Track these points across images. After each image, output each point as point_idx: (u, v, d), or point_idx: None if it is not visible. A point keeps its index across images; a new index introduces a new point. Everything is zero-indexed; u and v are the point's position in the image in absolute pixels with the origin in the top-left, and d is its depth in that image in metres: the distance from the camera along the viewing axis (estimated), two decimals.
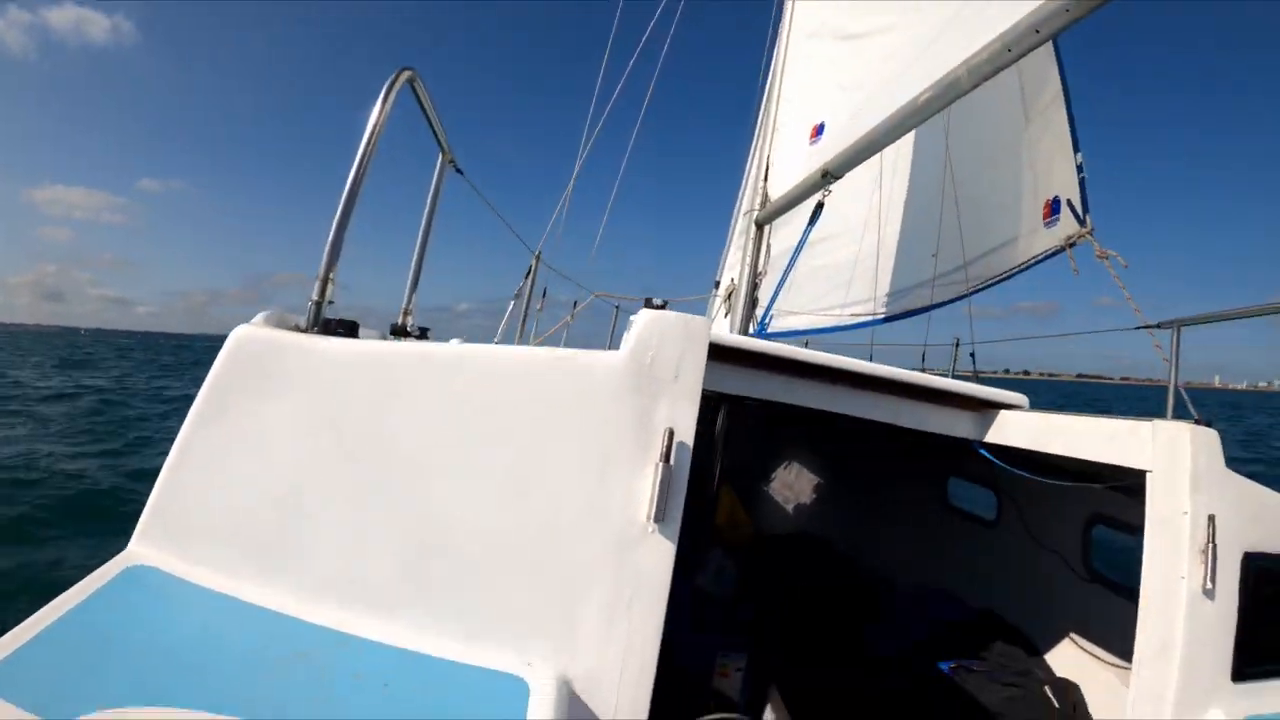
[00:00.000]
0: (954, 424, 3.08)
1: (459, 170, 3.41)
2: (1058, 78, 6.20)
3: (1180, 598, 2.12)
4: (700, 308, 8.12)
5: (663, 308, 1.93)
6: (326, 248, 2.01)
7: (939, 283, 6.98)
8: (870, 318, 7.53)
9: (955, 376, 6.80)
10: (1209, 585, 2.11)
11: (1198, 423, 2.28)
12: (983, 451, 3.09)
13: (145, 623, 1.50)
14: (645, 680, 1.72)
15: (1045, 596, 3.79)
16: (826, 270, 7.80)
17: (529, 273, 6.40)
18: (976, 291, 6.76)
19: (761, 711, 3.65)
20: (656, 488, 1.74)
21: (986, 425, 3.07)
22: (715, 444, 4.77)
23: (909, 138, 6.84)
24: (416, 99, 2.65)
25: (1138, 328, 4.40)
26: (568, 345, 6.74)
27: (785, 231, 5.57)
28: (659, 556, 1.76)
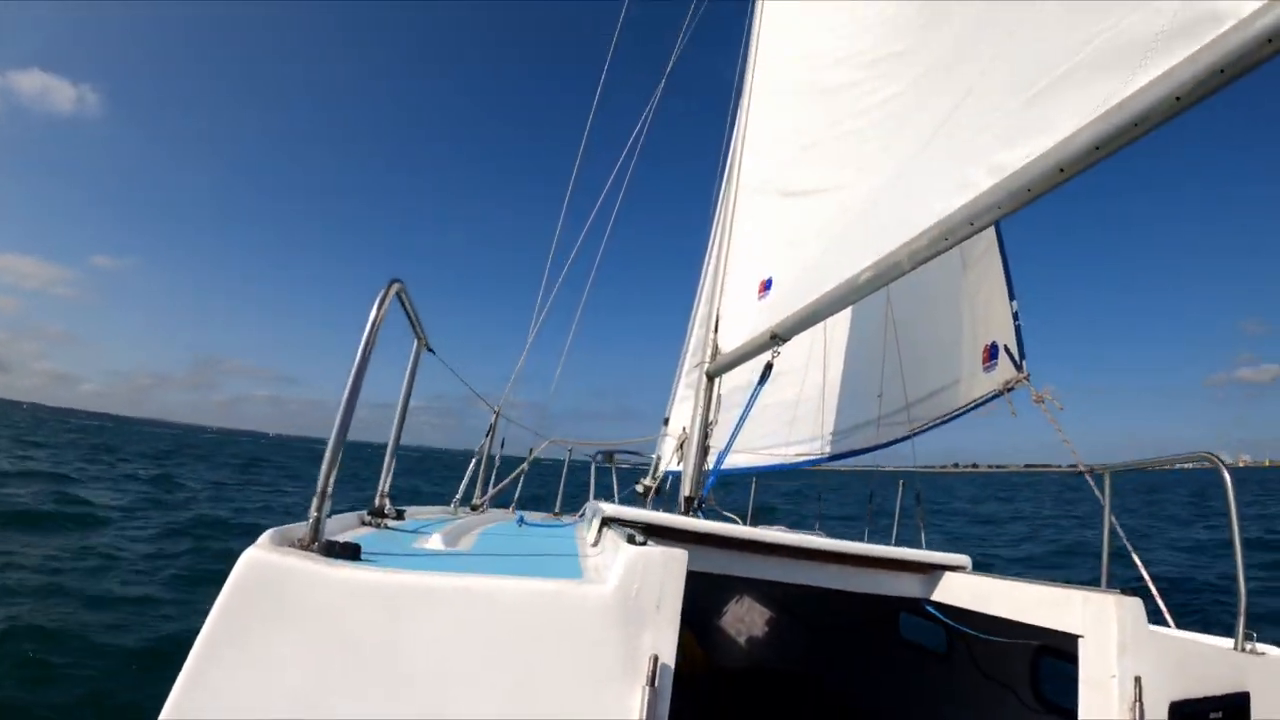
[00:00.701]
0: (902, 586, 3.32)
1: (431, 350, 3.57)
2: (993, 228, 6.53)
3: None
4: (650, 448, 8.23)
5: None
6: (325, 461, 2.12)
7: (883, 423, 7.17)
8: (816, 456, 7.67)
9: (901, 514, 6.93)
10: None
11: (1123, 592, 2.50)
12: (931, 610, 3.26)
13: None
14: None
15: None
16: (772, 409, 7.92)
17: (489, 430, 6.51)
18: (919, 433, 6.96)
19: None
20: (645, 709, 1.86)
21: (933, 585, 3.31)
22: None
23: None
24: (403, 306, 2.83)
25: (1074, 471, 4.62)
26: (525, 489, 6.78)
27: (731, 372, 5.72)
28: None
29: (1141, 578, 4.00)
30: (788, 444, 7.84)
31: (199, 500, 22.41)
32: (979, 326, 6.50)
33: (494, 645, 1.87)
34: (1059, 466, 5.02)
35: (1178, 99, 1.91)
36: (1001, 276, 6.43)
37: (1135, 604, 2.45)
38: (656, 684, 1.90)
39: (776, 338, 3.98)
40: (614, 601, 1.95)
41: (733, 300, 5.23)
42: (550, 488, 8.20)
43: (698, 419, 4.93)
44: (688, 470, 4.86)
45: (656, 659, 1.92)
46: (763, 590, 6.97)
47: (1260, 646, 2.97)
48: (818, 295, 3.64)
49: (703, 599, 7.63)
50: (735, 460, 7.93)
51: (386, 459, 3.38)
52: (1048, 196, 2.41)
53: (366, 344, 2.26)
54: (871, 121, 4.10)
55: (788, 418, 7.88)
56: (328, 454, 2.13)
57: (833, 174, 4.50)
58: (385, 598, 1.87)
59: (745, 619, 7.21)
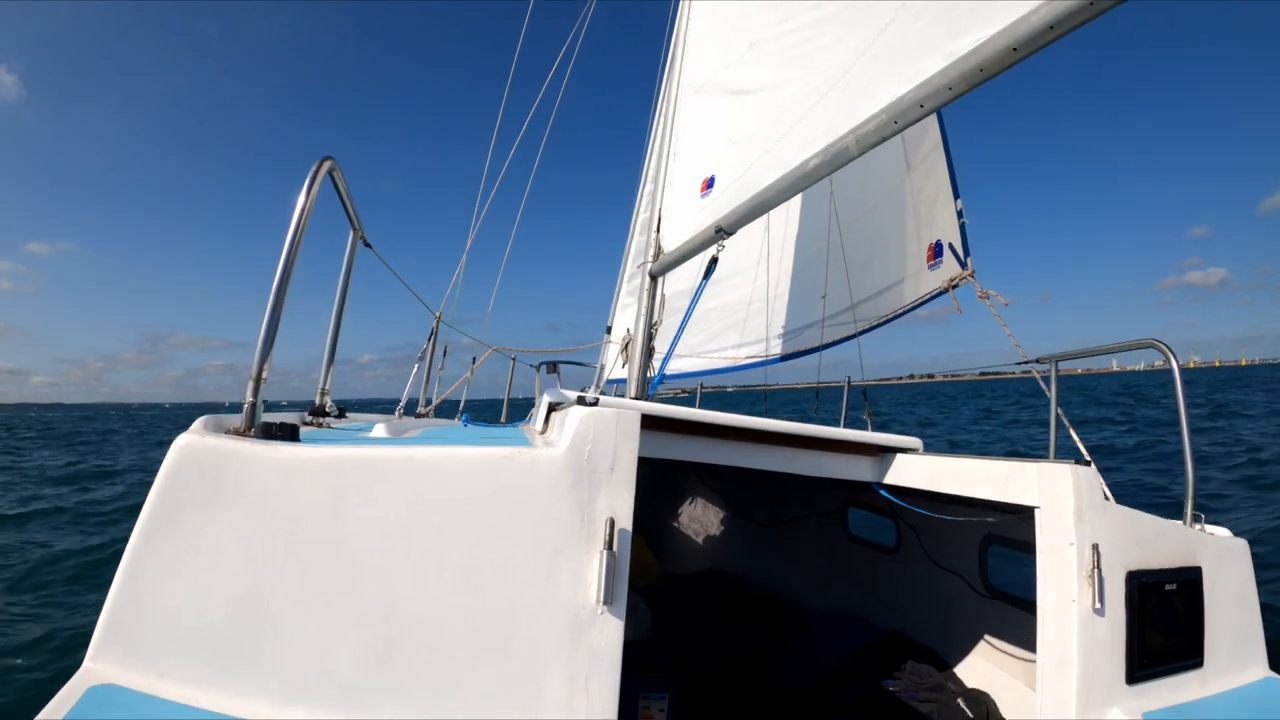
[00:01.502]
0: (854, 469, 3.30)
1: (368, 245, 3.43)
2: (938, 127, 6.47)
3: (1072, 618, 2.37)
4: (593, 355, 8.18)
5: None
6: (258, 346, 2.03)
7: (829, 323, 7.18)
8: (763, 359, 7.67)
9: (850, 412, 7.00)
10: (1097, 605, 2.37)
11: (1078, 462, 2.52)
12: (883, 493, 3.27)
13: None
14: None
15: (950, 615, 3.98)
16: (718, 312, 7.91)
17: (431, 335, 6.42)
18: (864, 333, 6.98)
19: None
20: (603, 573, 1.85)
21: (885, 468, 3.30)
22: None
23: None
24: (335, 186, 2.71)
25: (1020, 364, 4.64)
26: (469, 399, 6.72)
27: (674, 276, 5.66)
28: (610, 635, 1.88)
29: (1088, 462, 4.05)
30: (738, 346, 7.84)
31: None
32: (923, 226, 6.48)
33: (443, 517, 1.83)
34: (1011, 371, 5.05)
35: None
36: (946, 176, 6.38)
37: (1091, 473, 2.48)
38: (615, 547, 1.89)
39: (721, 231, 3.88)
40: (566, 464, 1.92)
41: (674, 201, 5.13)
42: (496, 410, 8.15)
43: (641, 320, 4.84)
44: (632, 373, 4.80)
45: (613, 522, 1.91)
46: (715, 491, 7.03)
47: (1209, 528, 3.03)
48: (763, 186, 3.54)
49: (655, 503, 7.69)
50: (684, 365, 7.93)
51: (325, 357, 3.28)
52: (1000, 100, 2.34)
53: (297, 227, 2.15)
54: (822, 16, 3.95)
55: (737, 319, 7.86)
56: (259, 340, 2.03)
57: (780, 71, 4.36)
58: (327, 474, 1.81)
59: (699, 520, 7.29)
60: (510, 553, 1.85)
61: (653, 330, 4.90)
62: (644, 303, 4.91)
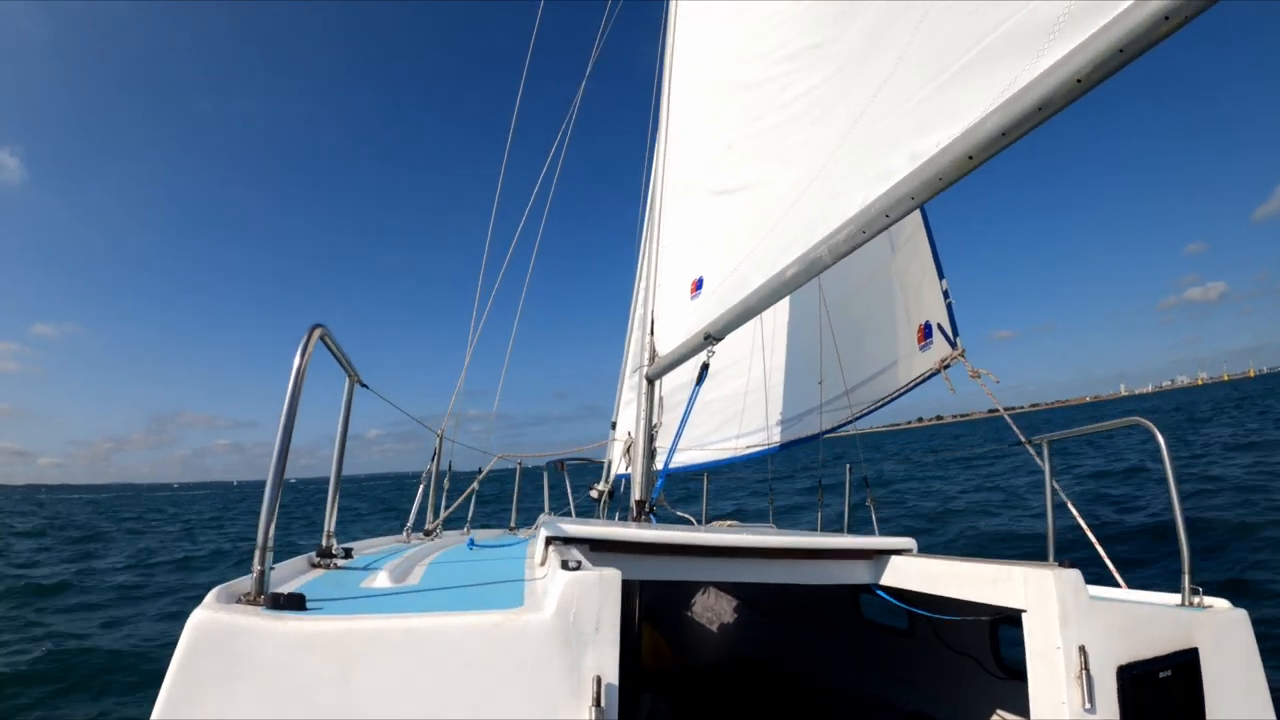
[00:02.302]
0: (852, 574, 3.36)
1: (364, 385, 3.53)
2: (918, 211, 6.60)
3: (1064, 719, 2.37)
4: (600, 454, 8.21)
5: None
6: (262, 515, 2.11)
7: (826, 409, 7.24)
8: (764, 447, 7.71)
9: (851, 497, 7.01)
10: (1088, 705, 2.37)
11: (1061, 565, 2.54)
12: (881, 594, 3.31)
13: None
14: None
15: (966, 695, 3.98)
16: (718, 403, 7.95)
17: (435, 454, 6.48)
18: (860, 417, 7.04)
19: None
20: None
21: (881, 570, 3.36)
22: (631, 590, 4.84)
23: None
24: (328, 347, 2.82)
25: (1012, 445, 4.70)
26: (477, 508, 6.74)
27: (674, 372, 5.75)
28: None
29: (1089, 541, 4.06)
30: (738, 436, 7.88)
31: None
32: (912, 307, 6.58)
33: (443, 683, 1.88)
34: (1004, 445, 5.11)
35: (1079, 81, 1.98)
36: (930, 257, 6.52)
37: (1074, 576, 2.51)
38: (602, 703, 1.93)
39: (710, 338, 3.98)
40: (553, 627, 1.97)
41: (666, 301, 5.24)
42: (510, 500, 8.15)
43: (642, 423, 4.92)
44: (636, 474, 4.87)
45: (600, 679, 1.95)
46: (727, 584, 7.01)
47: (1207, 600, 3.02)
48: (746, 293, 3.65)
49: (669, 596, 7.67)
50: (687, 458, 7.96)
51: (329, 498, 3.35)
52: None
53: (293, 393, 2.24)
54: (791, 115, 4.09)
55: (735, 411, 7.91)
56: (264, 505, 2.11)
57: (756, 170, 4.50)
58: (333, 647, 1.88)
59: (713, 610, 7.26)
60: (506, 714, 1.90)
61: (653, 431, 4.98)
62: (643, 406, 4.99)
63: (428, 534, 5.69)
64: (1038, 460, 4.28)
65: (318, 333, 2.49)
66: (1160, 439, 3.27)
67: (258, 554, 2.10)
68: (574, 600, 2.00)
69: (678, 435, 4.65)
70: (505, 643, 1.94)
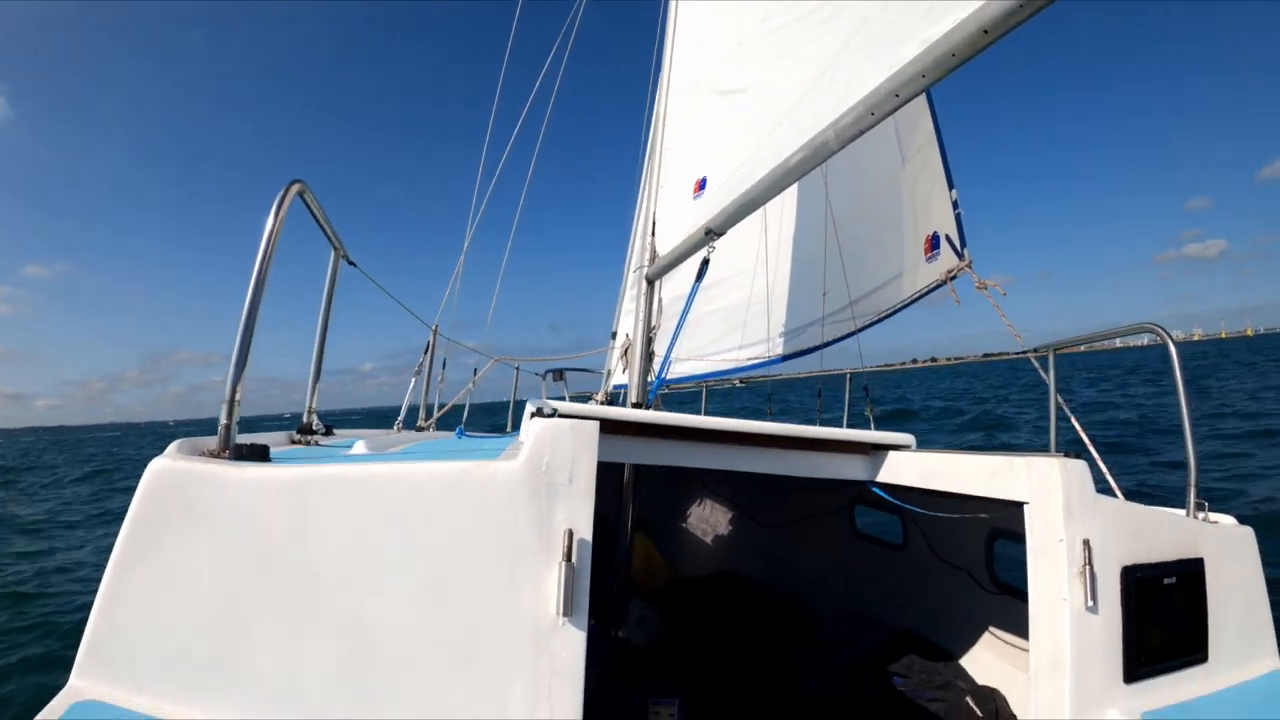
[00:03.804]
0: (847, 468, 3.29)
1: (352, 263, 3.47)
2: (930, 119, 6.47)
3: (1064, 616, 2.31)
4: (600, 361, 8.20)
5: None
6: (230, 370, 2.06)
7: (829, 321, 7.17)
8: (765, 359, 7.67)
9: (851, 409, 6.99)
10: (1090, 602, 2.32)
11: (1067, 455, 2.46)
12: (877, 490, 3.30)
13: None
14: None
15: (958, 611, 3.96)
16: (720, 314, 7.91)
17: (428, 348, 6.44)
18: (864, 329, 6.98)
19: None
20: (562, 585, 1.86)
21: (878, 466, 3.28)
22: (624, 497, 4.84)
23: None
24: (307, 207, 2.74)
25: (1019, 354, 4.64)
26: (472, 410, 6.72)
27: (675, 280, 5.67)
28: (570, 647, 1.88)
29: (1090, 452, 4.01)
30: (740, 347, 7.84)
31: None
32: (920, 218, 6.47)
33: (406, 532, 1.85)
34: (1010, 354, 5.03)
35: None
36: (940, 167, 6.38)
37: (1080, 466, 2.43)
38: (574, 558, 1.89)
39: (711, 233, 3.89)
40: (523, 476, 1.92)
41: (668, 203, 5.15)
42: (505, 418, 8.15)
43: (640, 325, 4.86)
44: (633, 378, 4.81)
45: (572, 533, 1.91)
46: (723, 494, 7.04)
47: (1213, 516, 2.96)
48: (749, 186, 3.55)
49: (665, 507, 7.70)
50: (687, 368, 7.94)
51: (311, 376, 3.31)
52: (988, 84, 2.33)
53: (265, 252, 2.18)
54: (802, 14, 3.96)
55: (737, 321, 7.86)
56: (232, 360, 2.07)
57: (767, 69, 4.37)
58: (292, 493, 1.84)
59: (708, 521, 7.30)
60: (471, 566, 1.86)
61: (651, 335, 4.92)
62: (641, 308, 4.92)
63: (419, 431, 5.68)
64: (1041, 374, 4.22)
65: (295, 188, 2.40)
66: (1172, 348, 3.20)
67: (224, 409, 2.05)
68: (546, 448, 1.94)
69: (677, 329, 4.59)
70: (471, 491, 1.89)
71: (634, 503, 4.94)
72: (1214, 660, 2.59)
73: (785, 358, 7.61)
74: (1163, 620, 2.49)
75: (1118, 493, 3.25)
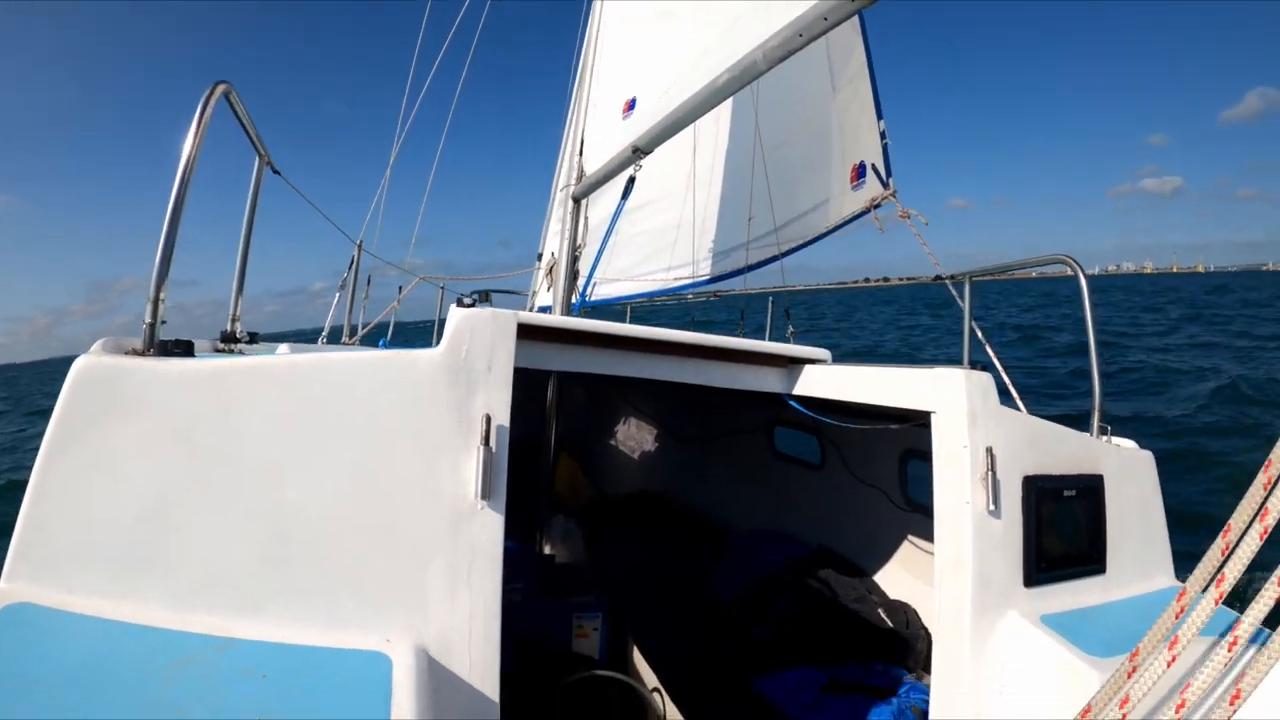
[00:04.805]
0: (766, 381, 3.33)
1: (276, 171, 3.40)
2: (863, 50, 6.51)
3: (966, 520, 2.40)
4: (525, 282, 8.16)
5: (485, 298, 2.08)
6: (154, 270, 2.02)
7: (755, 245, 7.23)
8: (690, 281, 7.71)
9: (774, 328, 7.09)
10: (992, 507, 2.40)
11: (973, 367, 2.55)
12: (793, 403, 3.35)
13: (33, 660, 1.50)
14: (492, 639, 1.89)
15: (872, 529, 4.10)
16: (646, 236, 7.90)
17: (352, 263, 6.35)
18: (787, 254, 7.06)
19: (624, 665, 3.79)
20: (480, 469, 1.91)
21: (794, 379, 3.34)
22: (548, 416, 4.88)
23: (725, 105, 7.04)
24: (232, 110, 2.69)
25: (935, 279, 4.75)
26: (403, 329, 6.65)
27: (603, 201, 5.66)
28: (489, 530, 1.94)
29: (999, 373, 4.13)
30: (667, 269, 7.84)
31: None
32: (848, 147, 6.54)
33: (328, 419, 1.88)
34: (926, 277, 5.13)
35: None
36: (870, 97, 6.45)
37: (984, 378, 2.51)
38: (491, 443, 1.94)
39: (639, 151, 3.88)
40: (443, 363, 1.97)
41: (598, 123, 5.13)
42: (433, 337, 8.06)
43: (565, 244, 4.85)
44: (557, 295, 4.83)
45: (489, 418, 1.96)
46: (647, 413, 7.12)
47: (1116, 440, 3.07)
48: (676, 105, 3.55)
49: (591, 427, 7.77)
50: (614, 289, 7.95)
51: (234, 284, 3.27)
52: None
53: (190, 155, 2.14)
54: None
55: (665, 243, 7.85)
56: (157, 258, 2.03)
57: None
58: (217, 383, 1.85)
59: (634, 439, 7.39)
60: (392, 451, 1.90)
61: (577, 254, 4.92)
62: (567, 226, 4.92)
63: (344, 346, 5.63)
64: (958, 299, 4.32)
65: (221, 89, 2.35)
66: (1082, 279, 3.29)
67: (149, 308, 2.01)
68: (466, 336, 1.98)
69: (599, 252, 4.59)
70: (391, 378, 1.93)
71: (558, 421, 4.99)
72: (1112, 573, 2.71)
73: (711, 280, 7.67)
74: (1062, 530, 2.60)
75: (1022, 409, 3.37)
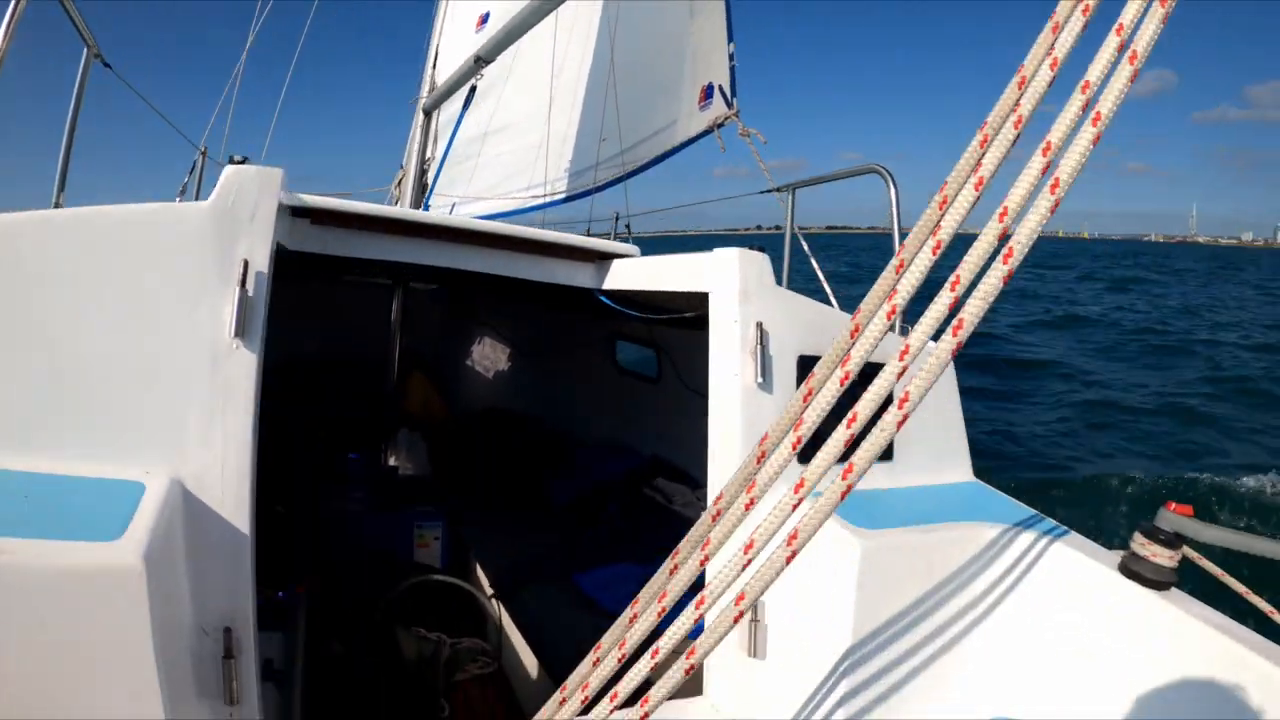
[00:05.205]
0: (577, 275, 3.40)
1: (106, 65, 3.33)
2: None
3: (735, 392, 2.44)
4: (379, 198, 8.10)
5: (244, 161, 2.16)
6: None
7: (603, 166, 7.33)
8: (547, 200, 7.78)
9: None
10: (760, 379, 2.42)
11: (751, 249, 2.59)
12: (602, 298, 3.44)
13: None
14: (244, 474, 1.98)
15: (703, 437, 4.29)
16: (510, 155, 7.92)
17: (193, 168, 6.17)
18: (634, 174, 7.20)
19: (465, 573, 3.91)
20: (235, 309, 1.98)
21: (604, 274, 3.39)
22: (392, 332, 4.94)
23: (590, 29, 7.13)
24: (62, 4, 2.63)
25: (764, 191, 4.92)
26: None
27: (469, 122, 5.69)
28: (244, 367, 2.02)
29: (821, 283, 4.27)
30: (527, 189, 7.88)
31: None
32: (700, 70, 6.66)
33: (101, 267, 1.94)
34: (755, 192, 5.26)
35: None
36: (724, 19, 6.58)
37: (759, 258, 2.53)
38: (248, 286, 2.01)
39: (480, 60, 3.96)
40: (210, 213, 2.03)
41: (454, 38, 5.16)
42: None
43: (414, 156, 4.90)
44: (405, 204, 4.86)
45: (248, 263, 2.03)
46: (502, 333, 7.20)
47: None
48: (514, 13, 3.63)
49: (445, 346, 7.81)
50: (475, 208, 7.98)
51: (55, 185, 3.21)
52: None
53: (3, 46, 2.14)
54: None
55: (527, 162, 7.87)
56: None
57: None
58: (2, 237, 1.91)
59: (489, 358, 7.45)
60: (158, 296, 1.98)
61: (425, 166, 4.97)
62: (416, 138, 4.96)
63: None
64: (783, 207, 4.50)
65: None
66: (890, 185, 3.47)
67: None
68: (232, 190, 2.06)
69: (442, 161, 4.69)
70: (162, 227, 2.01)
71: (402, 337, 5.03)
72: (900, 461, 2.77)
73: (567, 199, 7.76)
74: (844, 413, 2.68)
75: (835, 304, 3.49)
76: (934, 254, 0.92)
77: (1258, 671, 1.63)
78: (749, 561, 1.22)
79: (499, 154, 7.88)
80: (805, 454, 1.33)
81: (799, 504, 1.19)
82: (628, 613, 1.32)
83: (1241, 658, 1.66)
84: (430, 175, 4.94)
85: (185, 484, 1.89)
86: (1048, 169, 0.93)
